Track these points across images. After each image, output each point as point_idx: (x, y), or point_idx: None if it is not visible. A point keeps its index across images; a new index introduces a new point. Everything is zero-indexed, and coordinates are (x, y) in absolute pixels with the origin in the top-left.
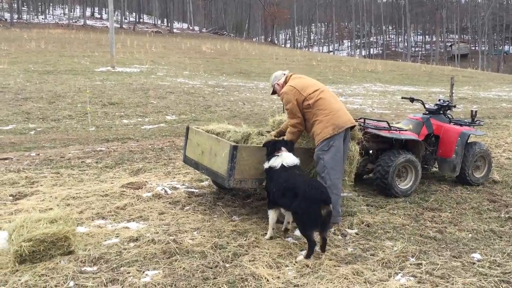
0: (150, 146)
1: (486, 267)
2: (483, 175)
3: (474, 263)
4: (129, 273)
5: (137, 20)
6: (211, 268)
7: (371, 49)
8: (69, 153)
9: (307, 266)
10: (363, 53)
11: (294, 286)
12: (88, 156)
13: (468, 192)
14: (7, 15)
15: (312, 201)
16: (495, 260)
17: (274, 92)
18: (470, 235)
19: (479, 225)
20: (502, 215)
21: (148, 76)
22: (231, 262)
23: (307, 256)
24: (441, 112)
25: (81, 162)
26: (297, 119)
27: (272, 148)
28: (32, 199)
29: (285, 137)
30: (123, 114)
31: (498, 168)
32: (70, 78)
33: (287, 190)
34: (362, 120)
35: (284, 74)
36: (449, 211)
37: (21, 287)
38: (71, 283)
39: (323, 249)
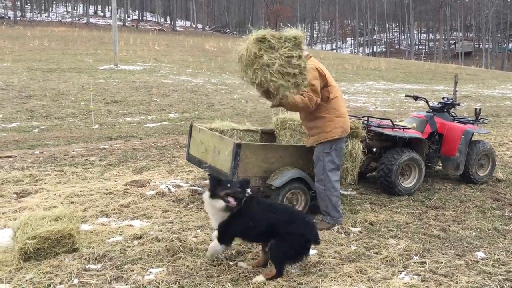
0: (153, 144)
1: (490, 266)
2: (486, 174)
3: (478, 262)
4: (133, 270)
5: (140, 18)
6: (215, 266)
7: (375, 47)
8: (73, 151)
9: (311, 264)
10: (366, 51)
11: (298, 284)
12: (92, 154)
13: (472, 191)
14: (10, 13)
15: (301, 238)
16: (499, 258)
17: None
18: (474, 233)
19: (483, 223)
20: (506, 214)
21: (151, 74)
22: (234, 260)
23: (269, 279)
24: (445, 110)
25: (85, 160)
26: (317, 98)
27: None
28: (36, 197)
29: (287, 95)
30: (126, 112)
31: (502, 166)
32: (74, 76)
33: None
34: (365, 118)
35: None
36: (452, 210)
37: (25, 284)
38: (76, 281)
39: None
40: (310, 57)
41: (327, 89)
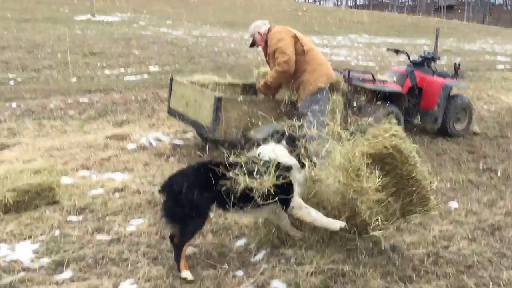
0: (133, 98)
1: (462, 215)
2: (464, 127)
3: (451, 212)
4: (114, 222)
5: None
6: None
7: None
8: (51, 104)
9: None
10: (349, 3)
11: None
12: (71, 107)
13: (448, 143)
14: None
15: None
16: (471, 209)
17: (253, 44)
18: (448, 185)
19: (457, 175)
20: (480, 166)
21: (129, 25)
22: (216, 212)
23: None
24: (426, 64)
25: (64, 113)
26: (286, 56)
27: None
28: (15, 150)
29: (267, 79)
30: (105, 65)
31: (478, 120)
32: (49, 26)
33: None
34: (347, 72)
35: (265, 24)
36: (429, 162)
37: (6, 236)
38: (57, 232)
39: None
40: (275, 26)
41: (300, 43)
